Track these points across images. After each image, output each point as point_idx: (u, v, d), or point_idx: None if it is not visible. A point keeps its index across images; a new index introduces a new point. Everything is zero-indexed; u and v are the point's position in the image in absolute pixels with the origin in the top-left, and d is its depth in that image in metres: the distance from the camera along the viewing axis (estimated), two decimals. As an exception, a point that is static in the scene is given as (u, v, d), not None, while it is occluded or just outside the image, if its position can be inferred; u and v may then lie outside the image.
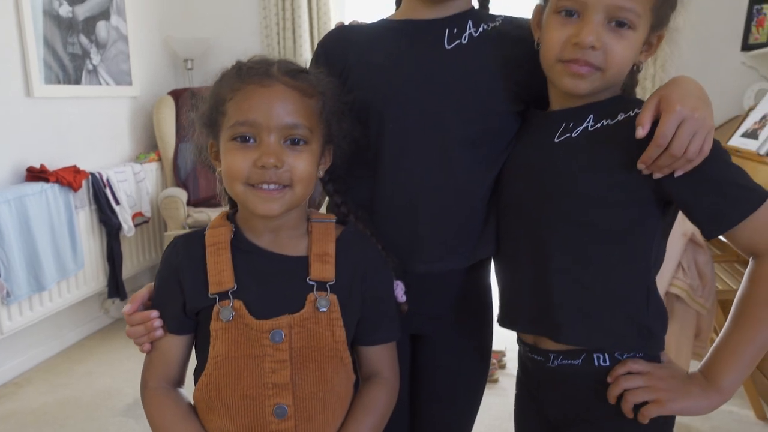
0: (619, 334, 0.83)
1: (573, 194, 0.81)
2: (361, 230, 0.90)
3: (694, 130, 0.72)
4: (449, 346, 1.02)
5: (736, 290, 0.80)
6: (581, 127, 0.83)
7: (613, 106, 0.83)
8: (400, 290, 0.90)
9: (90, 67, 2.68)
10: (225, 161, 0.80)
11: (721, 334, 0.80)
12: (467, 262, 0.95)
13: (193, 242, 0.84)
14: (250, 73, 0.79)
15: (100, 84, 2.75)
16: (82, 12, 2.61)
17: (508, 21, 0.95)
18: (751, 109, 2.52)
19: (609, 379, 0.82)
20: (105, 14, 2.77)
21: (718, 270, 2.16)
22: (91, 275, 2.59)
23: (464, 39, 0.91)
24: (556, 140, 0.84)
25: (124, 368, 2.44)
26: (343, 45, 0.96)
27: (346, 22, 1.04)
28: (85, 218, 2.52)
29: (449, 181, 0.90)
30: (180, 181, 3.05)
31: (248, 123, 0.77)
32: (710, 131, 0.73)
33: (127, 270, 2.78)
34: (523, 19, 0.94)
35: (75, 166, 2.50)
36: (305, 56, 3.18)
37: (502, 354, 2.40)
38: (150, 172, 2.99)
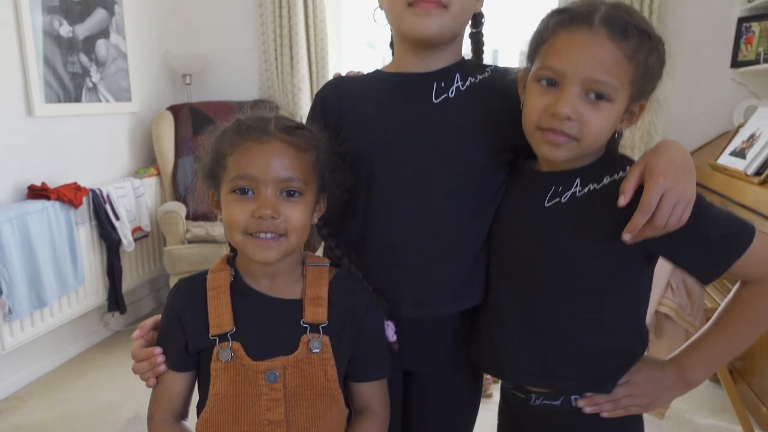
0: (607, 376, 0.87)
1: (563, 260, 0.85)
2: (353, 273, 0.94)
3: (676, 201, 0.75)
4: (441, 382, 1.05)
5: None
6: (569, 192, 0.86)
7: (599, 169, 0.86)
8: (390, 330, 0.94)
9: (90, 84, 2.72)
10: (225, 212, 0.85)
11: (700, 333, 0.87)
12: (454, 309, 0.98)
13: (195, 285, 0.89)
14: (249, 131, 0.85)
15: (99, 101, 2.79)
16: (82, 31, 2.65)
17: (498, 72, 0.99)
18: (741, 126, 2.57)
19: (589, 410, 0.87)
20: (105, 33, 2.81)
21: (707, 287, 2.20)
22: (92, 290, 2.62)
23: (451, 93, 0.95)
24: (546, 204, 0.88)
25: (124, 383, 2.47)
26: (338, 97, 1.01)
27: (343, 72, 1.09)
28: (85, 234, 2.56)
29: (436, 230, 0.94)
30: (179, 195, 3.09)
31: (247, 177, 0.83)
32: (691, 201, 0.76)
33: (127, 284, 2.82)
34: (513, 69, 0.97)
35: (75, 183, 2.54)
36: (302, 72, 3.22)
37: (488, 382, 2.43)
38: (149, 186, 3.02)
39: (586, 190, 0.85)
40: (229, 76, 3.41)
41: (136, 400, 2.32)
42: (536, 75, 0.83)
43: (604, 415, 0.87)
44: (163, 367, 0.88)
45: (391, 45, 1.07)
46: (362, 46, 4.35)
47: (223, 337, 0.85)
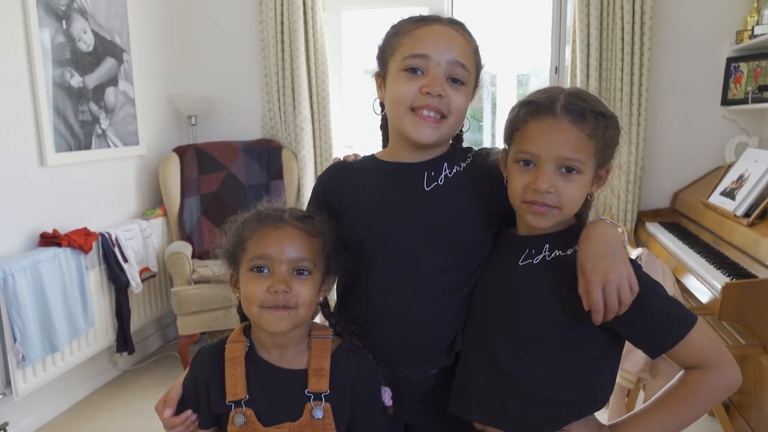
0: (563, 420, 0.95)
1: (530, 314, 0.95)
2: (354, 343, 1.05)
3: (616, 287, 0.86)
4: (435, 428, 1.12)
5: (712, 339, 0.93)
6: (540, 256, 0.98)
7: (566, 238, 0.98)
8: (387, 396, 1.04)
9: (99, 131, 2.81)
10: (244, 288, 0.98)
11: (641, 408, 0.95)
12: (448, 362, 1.07)
13: (215, 355, 1.03)
14: (267, 218, 0.99)
15: (108, 147, 2.87)
16: (92, 81, 2.75)
17: (478, 156, 1.11)
18: (732, 164, 2.64)
19: None
20: (113, 81, 2.91)
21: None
22: (101, 332, 2.68)
23: (441, 181, 1.06)
24: (520, 263, 0.99)
25: (134, 424, 2.52)
26: (338, 185, 1.12)
27: (341, 154, 1.19)
28: (95, 278, 2.63)
29: (430, 301, 1.04)
30: (185, 235, 3.16)
31: (264, 257, 0.96)
32: (628, 276, 0.87)
33: (135, 324, 2.88)
34: (493, 151, 1.09)
35: (85, 228, 2.61)
36: (304, 113, 3.31)
37: None
38: (156, 227, 3.10)
39: (553, 255, 0.98)
40: (233, 116, 3.50)
41: (146, 443, 2.37)
42: (515, 158, 0.97)
43: None
44: (195, 425, 1.03)
45: (382, 127, 1.18)
46: (361, 73, 4.47)
47: (237, 404, 0.97)
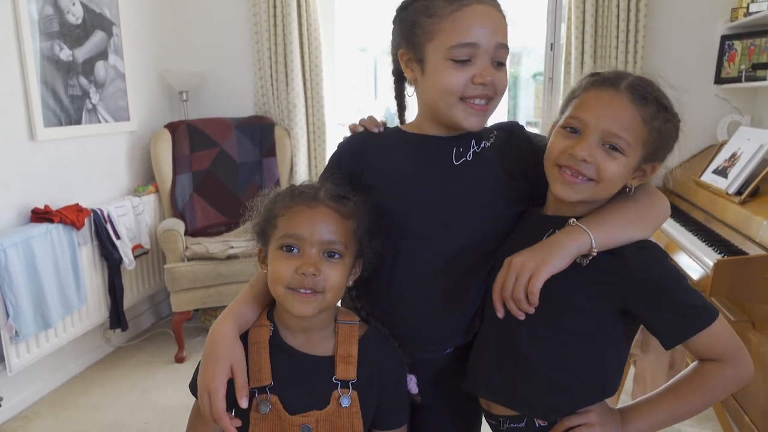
0: (572, 407, 0.95)
1: (550, 295, 0.90)
2: (381, 330, 1.02)
3: (515, 273, 0.89)
4: (449, 408, 1.14)
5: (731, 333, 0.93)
6: None
7: None
8: (413, 384, 1.02)
9: (89, 106, 2.77)
10: (272, 266, 0.94)
11: (653, 394, 0.95)
12: (464, 341, 1.07)
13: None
14: (301, 196, 0.95)
15: (99, 122, 2.84)
16: (81, 54, 2.70)
17: (501, 131, 1.09)
18: (724, 142, 2.66)
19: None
20: (103, 54, 2.86)
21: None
22: (94, 308, 2.68)
23: (469, 156, 1.05)
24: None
25: (127, 400, 2.53)
26: (362, 151, 1.09)
27: (362, 125, 1.13)
28: (87, 254, 2.61)
29: (454, 276, 1.02)
30: (177, 212, 3.14)
31: (295, 236, 0.92)
32: (531, 272, 0.87)
33: (128, 300, 2.88)
34: (516, 126, 1.10)
35: (77, 204, 2.59)
36: (297, 89, 3.28)
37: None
38: (148, 204, 3.08)
39: None
40: (225, 93, 3.47)
41: (140, 418, 2.38)
42: (563, 123, 0.95)
43: None
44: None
45: (397, 97, 1.14)
46: (354, 50, 4.42)
47: (261, 390, 0.94)
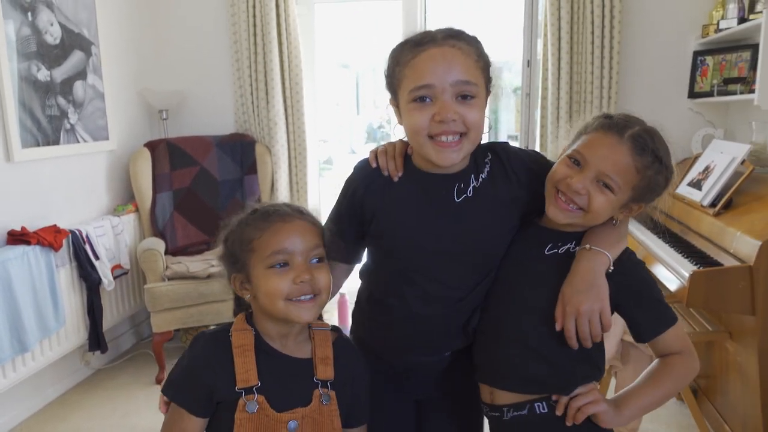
0: (568, 385, 1.09)
1: (553, 295, 1.06)
2: (347, 337, 1.13)
3: (587, 318, 1.01)
4: (450, 405, 1.23)
5: (686, 333, 1.06)
6: (565, 247, 1.11)
7: None
8: None
9: (68, 126, 2.75)
10: (266, 285, 0.99)
11: (635, 384, 1.11)
12: (464, 344, 1.18)
13: (220, 341, 1.02)
14: (274, 215, 1.01)
15: (77, 142, 2.82)
16: (59, 74, 2.69)
17: (496, 158, 1.15)
18: (699, 155, 2.71)
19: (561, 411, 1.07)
20: (82, 74, 2.85)
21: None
22: (72, 330, 2.64)
23: (470, 192, 1.11)
24: (546, 252, 1.12)
25: (107, 423, 2.49)
26: (376, 190, 1.15)
27: (379, 159, 1.17)
28: (65, 276, 2.58)
29: (456, 301, 1.13)
30: (158, 231, 3.12)
31: (282, 251, 0.99)
32: (601, 310, 1.02)
33: (107, 322, 2.84)
34: (510, 150, 1.17)
35: (55, 226, 2.56)
36: (277, 107, 3.30)
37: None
38: (128, 223, 3.05)
39: (577, 249, 1.10)
40: (205, 111, 3.46)
41: (121, 441, 2.34)
42: (570, 153, 1.08)
43: (569, 422, 1.06)
44: None
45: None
46: (336, 66, 4.45)
47: (248, 391, 0.98)
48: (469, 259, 1.11)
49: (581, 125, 1.11)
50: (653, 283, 1.08)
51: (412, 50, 1.04)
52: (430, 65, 1.01)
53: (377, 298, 1.19)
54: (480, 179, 1.12)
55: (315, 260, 1.01)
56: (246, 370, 0.98)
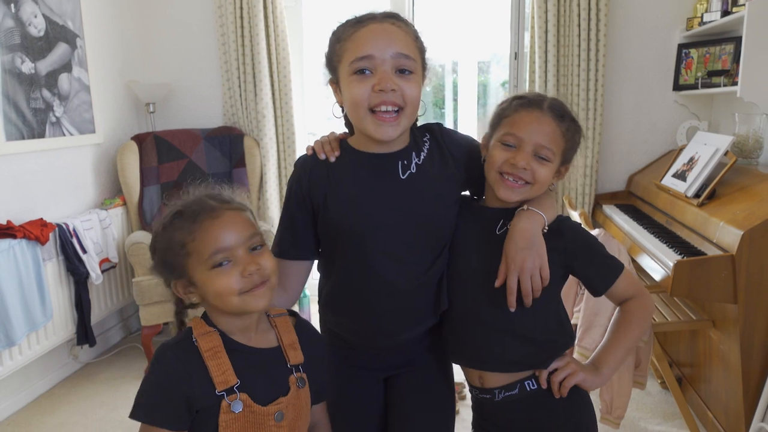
0: (546, 359, 1.15)
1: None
2: (302, 319, 1.12)
3: (528, 276, 1.07)
4: (419, 381, 1.25)
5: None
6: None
7: None
8: None
9: (53, 119, 2.73)
10: (214, 285, 0.95)
11: (604, 341, 1.18)
12: (434, 322, 1.21)
13: (186, 350, 0.96)
14: (199, 214, 0.95)
15: (63, 135, 2.79)
16: (44, 67, 2.67)
17: (433, 136, 1.22)
18: (683, 147, 2.74)
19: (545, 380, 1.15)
20: (67, 67, 2.82)
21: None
22: (60, 324, 2.63)
23: (413, 169, 1.16)
24: (497, 232, 1.18)
25: (96, 416, 2.48)
26: (318, 179, 1.17)
27: (314, 147, 1.21)
28: (53, 270, 2.56)
29: (414, 278, 1.15)
30: (146, 224, 3.11)
31: (221, 250, 0.95)
32: (541, 265, 1.08)
33: (95, 315, 2.83)
34: (446, 131, 1.23)
35: (41, 219, 2.55)
36: (266, 100, 3.29)
37: (461, 386, 2.54)
38: (115, 217, 3.04)
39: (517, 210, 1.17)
40: (193, 103, 3.45)
41: (110, 435, 2.34)
42: (500, 139, 1.15)
43: (556, 396, 1.13)
44: None
45: (347, 125, 1.23)
46: (322, 59, 4.44)
47: (230, 391, 0.95)
48: (421, 233, 1.14)
49: (495, 112, 1.18)
50: (595, 239, 1.18)
51: (353, 26, 1.09)
52: (371, 38, 1.06)
53: (341, 285, 1.18)
54: (421, 156, 1.17)
55: (256, 247, 0.98)
56: (222, 372, 0.95)
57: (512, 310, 1.10)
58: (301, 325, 1.10)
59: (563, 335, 1.18)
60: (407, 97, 1.07)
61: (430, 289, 1.17)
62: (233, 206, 1.00)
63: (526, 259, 1.07)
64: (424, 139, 1.21)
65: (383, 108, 1.06)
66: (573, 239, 1.15)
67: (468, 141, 1.24)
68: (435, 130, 1.22)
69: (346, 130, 1.25)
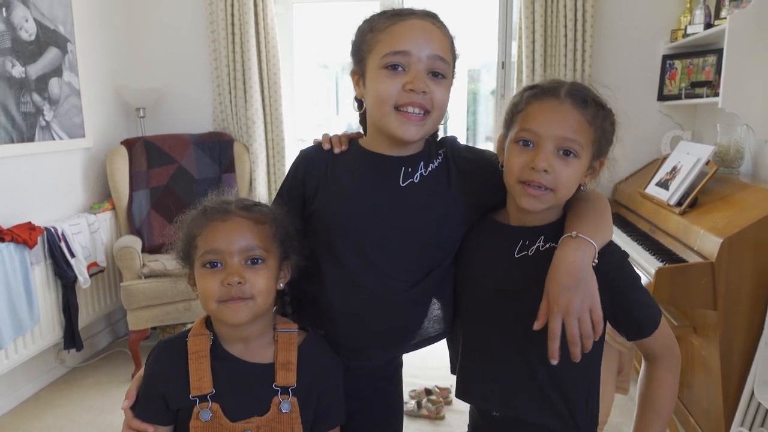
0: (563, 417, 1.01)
1: (530, 305, 0.94)
2: (319, 336, 1.06)
3: (576, 317, 0.88)
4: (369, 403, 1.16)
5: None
6: (534, 247, 1.01)
7: (557, 231, 0.99)
8: None
9: (43, 123, 2.73)
10: (200, 285, 0.96)
11: (635, 423, 1.04)
12: (402, 352, 1.12)
13: (176, 348, 0.99)
14: (213, 212, 0.97)
15: (53, 139, 2.80)
16: (34, 71, 2.67)
17: (451, 148, 1.12)
18: (667, 156, 2.79)
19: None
20: (57, 71, 2.83)
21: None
22: (47, 328, 2.62)
23: (416, 179, 1.07)
24: (516, 255, 1.02)
25: (82, 421, 2.48)
26: (320, 167, 1.11)
27: (326, 141, 1.15)
28: (41, 273, 2.56)
29: (396, 293, 1.05)
30: (134, 229, 3.11)
31: (214, 251, 0.96)
32: (591, 307, 0.89)
33: (83, 319, 2.82)
34: (461, 147, 1.13)
35: (30, 223, 2.54)
36: (256, 106, 3.31)
37: (447, 391, 2.56)
38: (104, 221, 3.04)
39: (547, 246, 1.00)
40: (183, 109, 3.46)
41: (96, 439, 2.33)
42: (515, 138, 0.99)
43: None
44: None
45: (362, 122, 1.16)
46: (315, 66, 4.46)
47: (203, 398, 0.95)
48: (407, 248, 1.05)
49: (508, 108, 1.03)
50: (639, 278, 0.99)
51: (391, 18, 1.01)
52: (410, 33, 0.99)
53: (321, 293, 1.08)
54: (429, 168, 1.08)
55: (252, 261, 0.95)
56: (200, 377, 0.95)
57: (553, 362, 0.89)
58: (310, 344, 1.03)
59: (587, 415, 1.01)
60: (436, 101, 1.00)
61: (418, 310, 1.08)
62: (251, 216, 0.98)
63: (572, 300, 0.88)
64: (440, 150, 1.11)
65: (410, 109, 0.99)
66: (618, 275, 0.96)
67: (480, 156, 1.13)
68: (451, 144, 1.13)
69: (360, 131, 1.19)
